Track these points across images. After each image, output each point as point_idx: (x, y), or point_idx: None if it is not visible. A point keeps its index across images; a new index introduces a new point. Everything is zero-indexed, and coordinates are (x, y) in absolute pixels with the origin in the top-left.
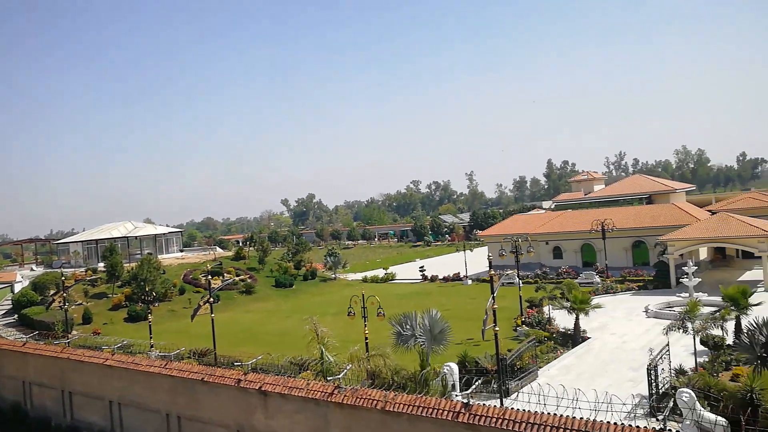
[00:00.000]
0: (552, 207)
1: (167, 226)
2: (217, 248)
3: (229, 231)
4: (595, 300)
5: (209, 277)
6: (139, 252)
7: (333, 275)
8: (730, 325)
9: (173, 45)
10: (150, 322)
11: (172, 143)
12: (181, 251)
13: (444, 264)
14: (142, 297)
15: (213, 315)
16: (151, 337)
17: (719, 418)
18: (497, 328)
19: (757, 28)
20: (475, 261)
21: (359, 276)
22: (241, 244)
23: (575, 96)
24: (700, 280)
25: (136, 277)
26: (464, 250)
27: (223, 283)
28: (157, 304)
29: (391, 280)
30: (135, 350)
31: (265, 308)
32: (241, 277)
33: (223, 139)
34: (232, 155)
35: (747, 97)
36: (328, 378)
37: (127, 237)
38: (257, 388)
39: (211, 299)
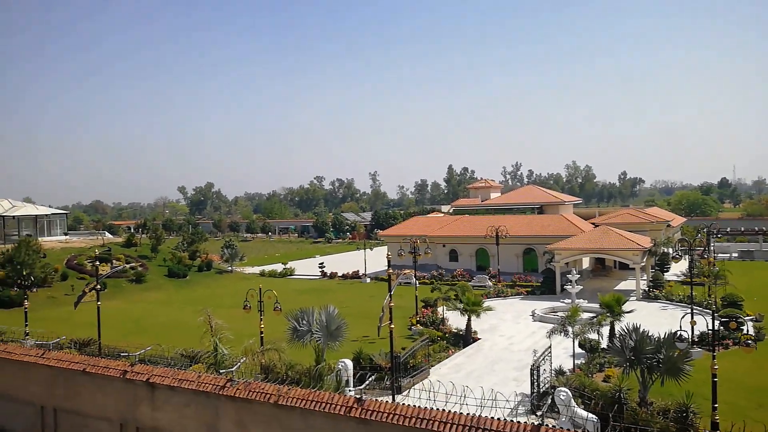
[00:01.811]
0: (450, 211)
1: (50, 207)
2: (107, 233)
3: (120, 216)
4: (487, 303)
5: (96, 263)
6: (17, 233)
7: (230, 268)
8: (606, 330)
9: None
10: (26, 308)
11: (58, 118)
12: (66, 234)
13: (344, 261)
14: (18, 281)
15: (99, 303)
16: (26, 325)
17: (590, 414)
18: (392, 326)
19: (642, 64)
20: (375, 260)
21: (257, 270)
22: (132, 231)
23: (480, 107)
24: (581, 287)
25: (11, 260)
26: (364, 249)
27: (111, 270)
28: (35, 290)
29: (289, 276)
30: (7, 338)
31: (156, 298)
32: (132, 264)
33: (117, 119)
34: (127, 136)
35: (631, 123)
36: (221, 371)
37: (3, 216)
38: (144, 380)
39: (98, 286)
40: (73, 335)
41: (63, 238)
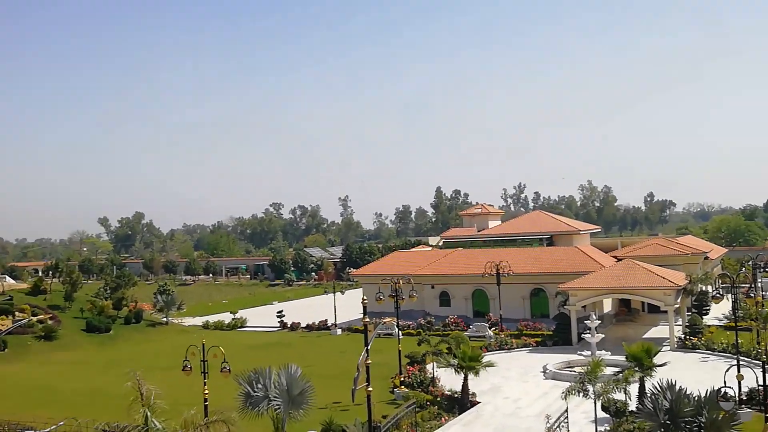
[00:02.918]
0: (440, 244)
1: None
2: (7, 278)
3: (25, 256)
4: (487, 357)
5: None
6: None
7: (165, 319)
8: (634, 389)
9: None
10: None
11: None
12: None
13: (308, 308)
14: None
15: None
16: None
17: None
18: (371, 389)
19: (667, 55)
20: (347, 306)
21: (199, 321)
22: (41, 274)
23: (474, 116)
24: (603, 336)
25: None
26: (334, 292)
27: (13, 325)
28: None
29: (240, 328)
30: None
31: (72, 359)
32: (40, 317)
33: (19, 132)
34: (34, 156)
35: (658, 136)
36: None
37: None
38: None
39: None
40: None
41: None
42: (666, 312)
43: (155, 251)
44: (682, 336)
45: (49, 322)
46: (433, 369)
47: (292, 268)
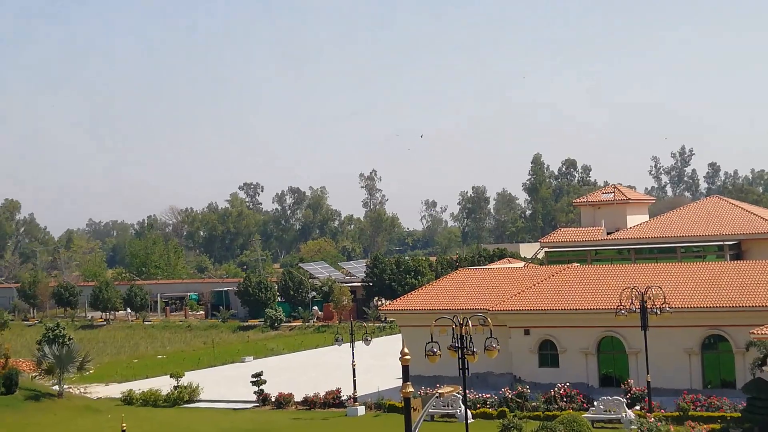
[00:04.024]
0: (539, 256)
1: None
2: None
3: None
4: None
5: None
6: None
7: (57, 387)
8: None
9: None
10: None
11: None
12: None
13: (307, 369)
14: None
15: None
16: None
17: None
18: None
19: None
20: (376, 365)
21: (117, 390)
22: None
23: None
24: None
25: None
26: (353, 342)
27: None
28: None
29: (188, 402)
30: None
31: None
32: None
33: None
34: None
35: None
36: None
37: None
38: None
39: None
40: None
41: None
42: None
43: (40, 268)
44: None
45: None
46: None
47: (280, 299)
